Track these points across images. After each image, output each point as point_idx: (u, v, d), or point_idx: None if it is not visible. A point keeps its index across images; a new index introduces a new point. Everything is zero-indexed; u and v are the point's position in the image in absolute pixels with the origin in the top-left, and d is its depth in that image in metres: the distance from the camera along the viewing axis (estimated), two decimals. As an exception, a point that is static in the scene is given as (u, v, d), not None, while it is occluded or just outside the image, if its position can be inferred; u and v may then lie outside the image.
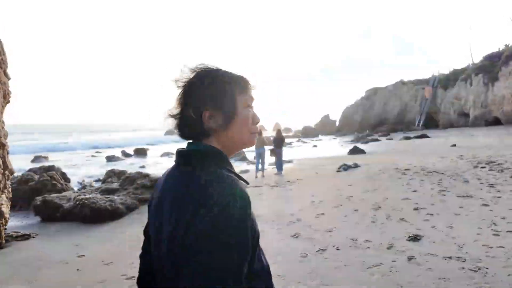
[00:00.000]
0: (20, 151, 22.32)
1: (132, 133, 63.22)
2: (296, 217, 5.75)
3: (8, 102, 4.03)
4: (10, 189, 3.87)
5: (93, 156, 22.45)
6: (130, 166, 16.18)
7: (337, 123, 48.14)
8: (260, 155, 11.18)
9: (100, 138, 40.81)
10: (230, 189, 0.75)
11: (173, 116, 0.88)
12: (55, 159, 19.27)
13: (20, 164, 15.54)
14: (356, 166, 12.52)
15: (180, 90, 0.88)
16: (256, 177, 10.92)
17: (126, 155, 21.65)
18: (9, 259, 4.41)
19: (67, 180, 11.58)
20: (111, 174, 10.50)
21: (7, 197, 3.64)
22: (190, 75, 0.88)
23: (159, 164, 17.36)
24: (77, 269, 3.89)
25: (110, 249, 4.56)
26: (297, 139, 37.40)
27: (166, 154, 22.13)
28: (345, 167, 12.02)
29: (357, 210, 6.02)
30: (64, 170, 12.96)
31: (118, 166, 15.41)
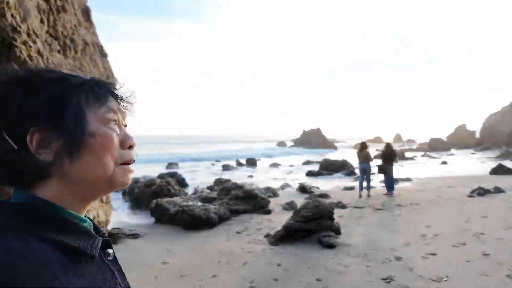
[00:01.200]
0: (157, 159, 26.70)
1: (248, 144, 67.88)
2: (396, 253, 4.76)
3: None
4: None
5: (212, 164, 24.93)
6: (240, 175, 17.17)
7: (477, 135, 40.23)
8: (364, 172, 10.06)
9: (220, 149, 45.42)
10: None
11: None
12: (183, 167, 22.18)
13: (157, 169, 18.57)
14: (498, 191, 9.93)
15: None
16: (360, 196, 9.84)
17: (239, 164, 23.23)
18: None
19: (185, 185, 13.08)
20: (217, 182, 11.27)
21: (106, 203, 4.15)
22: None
23: (266, 173, 17.89)
24: (155, 277, 4.13)
25: (191, 260, 4.72)
26: (422, 153, 32.82)
27: (274, 165, 22.79)
28: (481, 192, 9.65)
29: (489, 254, 4.58)
30: (185, 176, 14.78)
31: (228, 175, 16.60)
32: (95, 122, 0.58)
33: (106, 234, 0.67)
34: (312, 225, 5.72)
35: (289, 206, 8.57)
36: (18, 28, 2.13)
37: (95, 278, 0.55)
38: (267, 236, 5.89)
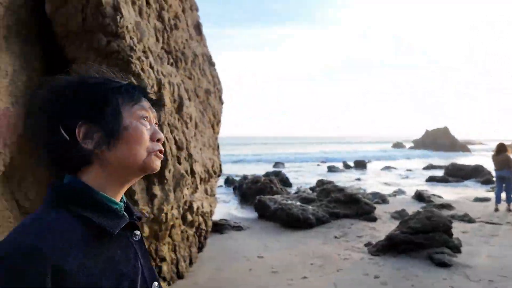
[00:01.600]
0: (265, 159, 28.00)
1: (358, 145, 64.08)
2: (536, 284, 3.77)
3: (219, 122, 5.15)
4: (213, 188, 4.87)
5: (318, 165, 24.65)
6: (345, 177, 16.47)
7: None
8: (502, 180, 8.23)
9: (327, 149, 44.35)
10: (8, 244, 0.55)
11: (42, 146, 0.69)
12: (289, 166, 22.70)
13: (265, 168, 19.62)
14: None
15: (42, 114, 0.68)
16: (496, 210, 8.11)
17: (346, 166, 22.26)
18: (218, 244, 5.60)
19: (288, 185, 13.36)
20: (319, 183, 11.10)
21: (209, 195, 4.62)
22: (51, 90, 0.68)
23: (376, 177, 16.60)
24: (249, 269, 4.36)
25: (284, 258, 4.80)
26: None
27: (387, 168, 20.82)
28: None
29: None
30: (289, 175, 15.10)
31: (333, 176, 16.12)
32: (129, 118, 0.69)
33: (139, 217, 0.78)
34: (422, 238, 5.05)
35: (399, 215, 7.77)
36: (134, 48, 2.60)
37: (116, 252, 0.64)
38: (367, 244, 5.49)
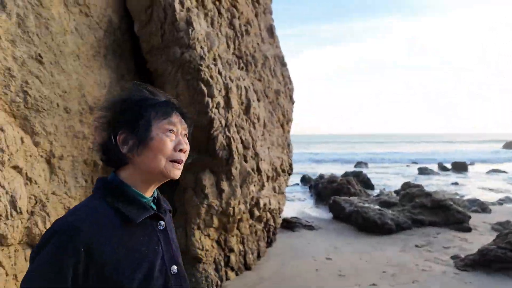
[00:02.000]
0: (345, 158, 26.84)
1: (455, 144, 55.97)
2: None
3: (289, 121, 5.23)
4: (283, 185, 4.99)
5: (407, 166, 22.58)
6: (439, 181, 14.75)
7: None
8: None
9: (414, 150, 40.03)
10: (62, 221, 0.76)
11: (98, 144, 0.90)
12: (372, 167, 21.39)
13: (345, 168, 18.91)
14: None
15: (102, 122, 0.88)
16: None
17: (442, 168, 19.85)
18: (288, 241, 5.70)
19: (370, 186, 12.63)
20: (405, 186, 10.22)
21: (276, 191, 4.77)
22: (110, 102, 0.89)
23: (479, 182, 14.42)
24: (316, 269, 4.34)
25: (354, 263, 4.63)
26: None
27: (495, 171, 17.81)
28: None
29: None
30: (372, 177, 14.24)
31: (424, 179, 14.60)
32: (156, 130, 0.85)
33: (167, 210, 0.94)
34: (525, 257, 4.28)
35: (502, 227, 6.68)
36: (204, 56, 2.88)
37: (139, 237, 0.82)
38: (454, 257, 4.90)
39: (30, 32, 2.24)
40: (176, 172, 0.87)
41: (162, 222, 0.89)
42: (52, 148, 2.34)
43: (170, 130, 0.86)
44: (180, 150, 0.87)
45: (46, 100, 2.27)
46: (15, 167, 2.08)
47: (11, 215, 2.00)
